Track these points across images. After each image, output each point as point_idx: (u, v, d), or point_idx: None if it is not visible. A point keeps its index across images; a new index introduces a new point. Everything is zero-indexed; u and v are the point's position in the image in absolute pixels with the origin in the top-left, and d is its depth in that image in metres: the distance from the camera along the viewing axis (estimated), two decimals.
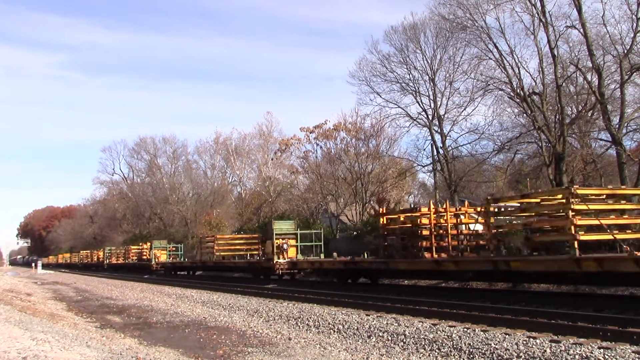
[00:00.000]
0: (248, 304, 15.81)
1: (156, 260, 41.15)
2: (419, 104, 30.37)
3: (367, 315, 11.93)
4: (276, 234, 24.23)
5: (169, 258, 41.98)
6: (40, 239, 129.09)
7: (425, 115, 30.14)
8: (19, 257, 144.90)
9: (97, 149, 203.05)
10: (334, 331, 10.59)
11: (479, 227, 16.38)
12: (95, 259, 65.05)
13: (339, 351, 8.91)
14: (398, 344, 9.05)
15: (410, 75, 30.43)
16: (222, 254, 31.15)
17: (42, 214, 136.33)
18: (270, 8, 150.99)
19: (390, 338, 9.44)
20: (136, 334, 11.59)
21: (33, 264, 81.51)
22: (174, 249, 44.01)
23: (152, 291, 23.85)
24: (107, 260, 57.40)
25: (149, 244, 46.92)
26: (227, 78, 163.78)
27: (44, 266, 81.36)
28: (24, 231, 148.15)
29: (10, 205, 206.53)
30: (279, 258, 23.54)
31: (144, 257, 45.55)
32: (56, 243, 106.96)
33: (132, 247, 51.87)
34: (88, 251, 72.99)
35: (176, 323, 13.24)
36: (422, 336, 9.19)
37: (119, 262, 54.29)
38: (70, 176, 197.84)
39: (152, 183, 69.84)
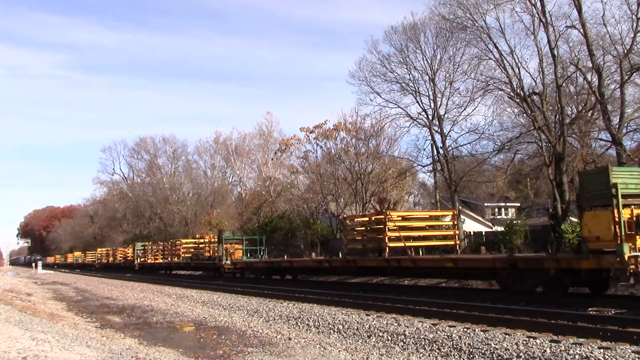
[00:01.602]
0: (248, 304, 15.81)
1: (230, 258, 29.48)
2: (419, 104, 30.39)
3: (367, 315, 11.93)
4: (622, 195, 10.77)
5: (246, 255, 30.53)
6: (41, 239, 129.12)
7: (425, 115, 30.16)
8: (20, 257, 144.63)
9: (97, 149, 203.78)
10: (334, 331, 10.59)
11: None
12: (121, 258, 53.23)
13: (339, 351, 8.91)
14: (398, 344, 9.05)
15: (410, 75, 30.46)
16: (405, 243, 18.25)
17: (42, 214, 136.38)
18: (271, 8, 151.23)
19: (390, 338, 9.44)
20: (136, 334, 11.59)
21: (33, 264, 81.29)
22: (249, 242, 31.81)
23: (152, 291, 23.85)
24: (139, 260, 45.94)
25: (209, 236, 35.81)
26: (227, 78, 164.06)
27: (47, 267, 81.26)
28: (24, 231, 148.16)
29: (10, 205, 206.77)
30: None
31: (206, 255, 34.07)
32: (56, 243, 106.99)
33: (184, 240, 39.95)
34: (109, 248, 61.29)
35: (176, 323, 13.24)
36: (422, 336, 9.19)
37: (157, 261, 42.37)
38: (70, 176, 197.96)
39: (152, 183, 69.89)
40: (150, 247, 44.83)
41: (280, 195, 47.12)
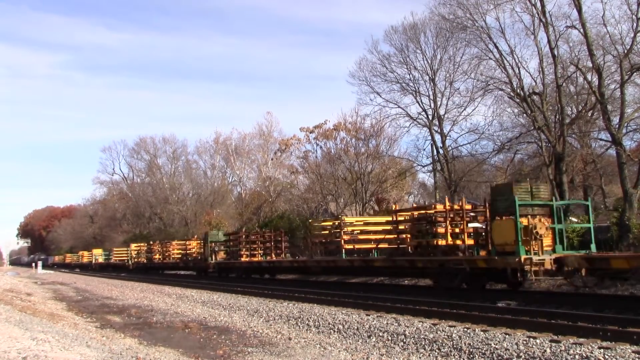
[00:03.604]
0: (248, 303, 15.81)
1: (537, 248, 12.37)
2: (419, 104, 30.46)
3: (367, 315, 11.93)
4: None
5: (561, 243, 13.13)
6: (40, 239, 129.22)
7: (425, 115, 30.21)
8: (21, 256, 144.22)
9: (97, 149, 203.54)
10: (334, 331, 10.59)
11: None
12: (178, 256, 37.66)
13: (339, 351, 8.91)
14: (398, 344, 9.05)
15: (410, 75, 30.54)
16: None
17: (42, 214, 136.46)
18: (272, 8, 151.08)
19: (390, 338, 9.44)
20: (136, 334, 11.59)
21: (33, 264, 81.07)
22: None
23: (152, 291, 23.83)
24: (215, 257, 30.54)
25: (447, 204, 15.95)
26: (228, 77, 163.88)
27: (53, 267, 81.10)
28: (24, 231, 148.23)
29: (10, 205, 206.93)
30: None
31: (439, 243, 15.30)
32: (56, 243, 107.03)
33: (352, 219, 22.23)
34: (155, 243, 43.86)
35: (176, 323, 13.23)
36: (422, 336, 9.19)
37: (257, 259, 26.96)
38: (70, 176, 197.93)
39: (152, 183, 70.00)
40: (243, 238, 28.44)
41: (280, 195, 47.17)
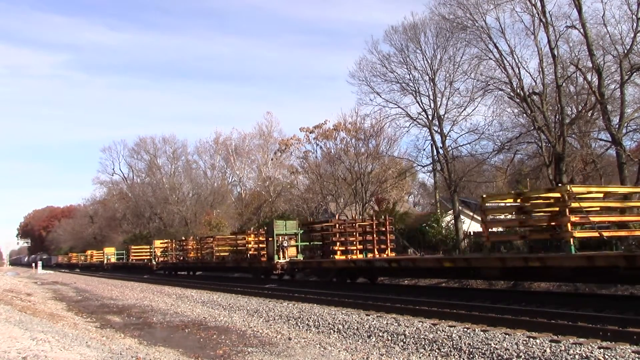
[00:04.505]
0: (248, 304, 15.81)
1: None
2: (419, 104, 30.42)
3: (367, 315, 11.92)
4: None
5: None
6: (40, 239, 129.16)
7: (425, 115, 30.17)
8: (21, 256, 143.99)
9: (97, 149, 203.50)
10: (334, 331, 10.59)
11: None
12: (224, 250, 30.10)
13: (339, 351, 8.91)
14: (398, 344, 9.05)
15: (410, 75, 30.49)
16: None
17: (42, 214, 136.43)
18: (272, 8, 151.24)
19: (390, 338, 9.44)
20: (136, 334, 11.59)
21: (33, 264, 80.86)
22: None
23: (152, 291, 23.83)
24: (283, 256, 23.02)
25: None
26: (228, 77, 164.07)
27: (52, 267, 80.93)
28: (24, 231, 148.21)
29: (10, 205, 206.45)
30: None
31: None
32: (56, 243, 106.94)
33: None
34: (185, 238, 37.54)
35: (176, 323, 13.23)
36: (422, 336, 9.19)
37: None
38: (70, 176, 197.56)
39: (152, 183, 69.95)
40: (337, 229, 21.20)
41: (280, 195, 47.16)
